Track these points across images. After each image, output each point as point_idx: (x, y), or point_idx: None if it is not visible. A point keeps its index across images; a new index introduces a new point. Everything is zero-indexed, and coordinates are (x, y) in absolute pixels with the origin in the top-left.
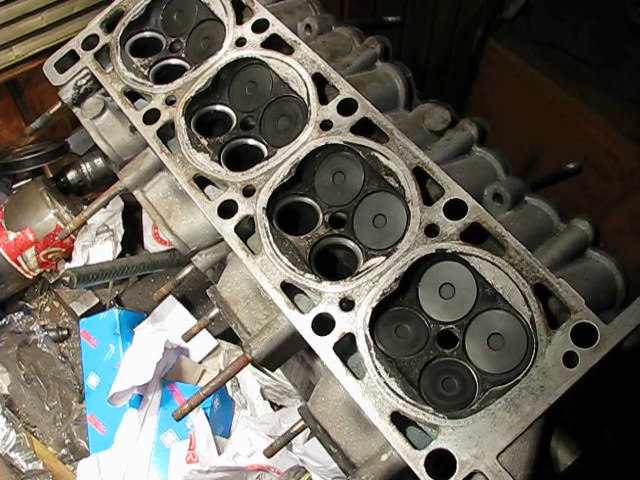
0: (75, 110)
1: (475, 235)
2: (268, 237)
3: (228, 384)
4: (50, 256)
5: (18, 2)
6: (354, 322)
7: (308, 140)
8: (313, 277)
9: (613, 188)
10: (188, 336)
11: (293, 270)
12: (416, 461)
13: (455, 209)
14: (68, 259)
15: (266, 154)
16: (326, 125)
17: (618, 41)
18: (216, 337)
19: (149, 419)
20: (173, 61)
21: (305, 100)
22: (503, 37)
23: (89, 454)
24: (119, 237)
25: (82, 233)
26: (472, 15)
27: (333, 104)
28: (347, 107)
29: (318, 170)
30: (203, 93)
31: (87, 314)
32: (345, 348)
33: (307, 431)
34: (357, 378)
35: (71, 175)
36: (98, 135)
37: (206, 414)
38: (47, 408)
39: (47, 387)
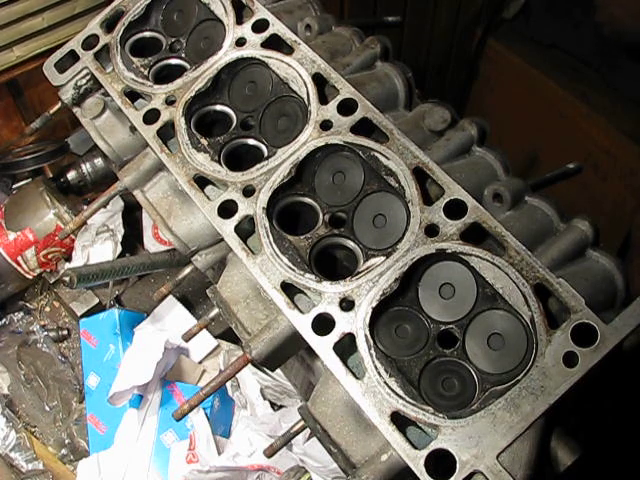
0: (75, 110)
1: (475, 235)
2: (268, 237)
3: (228, 384)
4: (50, 256)
5: (19, 3)
6: (354, 322)
7: (308, 140)
8: (313, 277)
9: (613, 188)
10: (188, 336)
11: (293, 270)
12: (416, 461)
13: (455, 209)
14: (68, 259)
15: (266, 154)
16: (326, 125)
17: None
18: (216, 337)
19: (149, 419)
20: (173, 61)
21: (305, 100)
22: (503, 37)
23: (89, 454)
24: (119, 237)
25: (82, 233)
26: (472, 15)
27: (333, 104)
28: (347, 107)
29: (318, 170)
30: (203, 93)
31: (87, 314)
32: (345, 348)
33: (307, 431)
34: (357, 378)
35: (71, 175)
36: (98, 135)
37: (206, 414)
38: (47, 408)
39: (47, 387)
